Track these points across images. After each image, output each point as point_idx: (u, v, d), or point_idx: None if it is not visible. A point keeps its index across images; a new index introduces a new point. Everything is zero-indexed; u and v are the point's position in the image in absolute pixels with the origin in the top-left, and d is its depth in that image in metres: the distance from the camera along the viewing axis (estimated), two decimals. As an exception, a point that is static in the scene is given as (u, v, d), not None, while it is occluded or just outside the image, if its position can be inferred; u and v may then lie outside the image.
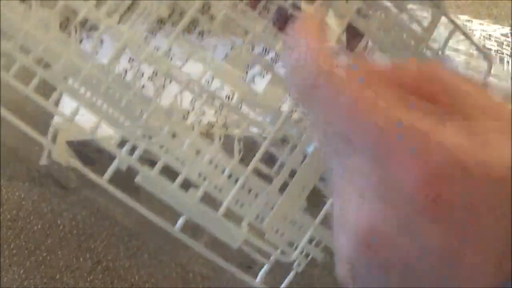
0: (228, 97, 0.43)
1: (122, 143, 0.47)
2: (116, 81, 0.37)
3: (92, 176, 0.39)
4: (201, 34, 0.42)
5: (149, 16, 0.39)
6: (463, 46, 1.19)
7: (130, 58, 0.39)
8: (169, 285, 0.89)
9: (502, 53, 1.20)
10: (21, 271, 0.89)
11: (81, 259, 0.91)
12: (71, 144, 0.96)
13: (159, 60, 0.38)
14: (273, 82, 0.41)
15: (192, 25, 0.41)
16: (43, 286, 0.88)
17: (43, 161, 0.91)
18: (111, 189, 0.39)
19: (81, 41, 0.39)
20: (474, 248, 0.28)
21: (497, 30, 1.22)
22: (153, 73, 0.41)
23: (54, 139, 0.94)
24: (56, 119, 0.97)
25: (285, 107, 0.42)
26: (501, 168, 0.27)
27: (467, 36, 0.54)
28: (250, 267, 0.89)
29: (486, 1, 1.34)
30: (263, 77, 0.45)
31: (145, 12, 0.39)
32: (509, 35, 1.23)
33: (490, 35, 1.20)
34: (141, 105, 0.40)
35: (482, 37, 1.21)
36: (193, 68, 0.41)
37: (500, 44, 1.21)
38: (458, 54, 1.11)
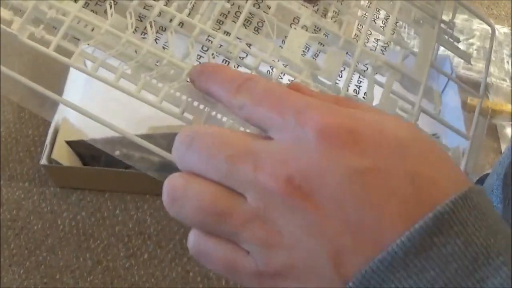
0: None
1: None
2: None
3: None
4: (257, 29, 0.43)
5: (213, 11, 0.41)
6: (462, 46, 1.19)
7: (198, 55, 0.40)
8: (169, 285, 0.89)
9: (502, 53, 1.20)
10: (21, 271, 0.89)
11: (81, 259, 0.91)
12: (70, 144, 0.96)
13: (232, 47, 0.40)
14: (330, 57, 0.43)
15: (248, 20, 0.42)
16: (43, 286, 0.88)
17: (43, 161, 0.91)
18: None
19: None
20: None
21: (497, 30, 1.22)
22: (223, 61, 0.41)
23: (54, 139, 0.94)
24: (56, 119, 0.97)
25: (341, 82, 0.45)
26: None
27: (469, 9, 0.55)
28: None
29: (486, 1, 1.34)
30: (317, 56, 0.46)
31: (208, 8, 0.41)
32: (509, 35, 1.23)
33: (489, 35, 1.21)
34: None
35: (482, 37, 1.22)
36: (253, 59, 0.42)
37: (500, 44, 1.22)
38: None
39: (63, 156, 0.94)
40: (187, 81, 0.39)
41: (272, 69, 0.43)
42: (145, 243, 0.93)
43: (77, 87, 1.02)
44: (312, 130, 0.32)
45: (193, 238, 0.35)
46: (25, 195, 0.97)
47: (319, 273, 0.32)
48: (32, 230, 0.93)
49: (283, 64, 0.43)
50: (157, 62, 0.39)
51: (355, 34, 0.48)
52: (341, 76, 0.45)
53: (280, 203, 0.32)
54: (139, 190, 0.97)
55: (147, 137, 0.94)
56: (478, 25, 1.22)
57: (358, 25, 0.49)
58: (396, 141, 0.32)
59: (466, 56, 0.54)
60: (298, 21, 0.44)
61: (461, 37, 1.20)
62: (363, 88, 0.49)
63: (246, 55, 0.42)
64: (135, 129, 0.96)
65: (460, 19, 1.23)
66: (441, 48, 0.53)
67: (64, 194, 0.98)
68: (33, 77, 0.38)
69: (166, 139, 0.91)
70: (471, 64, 1.07)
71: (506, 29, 1.25)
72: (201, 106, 0.40)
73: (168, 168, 0.36)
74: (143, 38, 0.40)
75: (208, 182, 0.34)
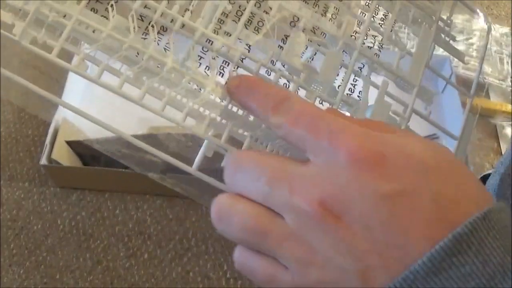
0: (285, 85, 0.44)
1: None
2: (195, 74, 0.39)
3: (180, 164, 0.39)
4: (257, 29, 0.43)
5: (215, 13, 0.41)
6: (462, 46, 1.19)
7: (199, 56, 0.40)
8: (169, 285, 0.89)
9: (502, 53, 1.20)
10: (21, 271, 0.89)
11: (81, 259, 0.91)
12: (70, 144, 0.96)
13: (232, 50, 0.40)
14: (328, 59, 0.43)
15: (249, 20, 0.43)
16: (43, 286, 0.88)
17: (43, 161, 0.91)
18: (206, 177, 0.40)
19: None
20: None
21: (497, 30, 1.22)
22: (223, 62, 0.42)
23: (54, 139, 0.94)
24: (56, 119, 0.97)
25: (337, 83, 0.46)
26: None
27: (468, 6, 0.55)
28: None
29: (486, 1, 1.34)
30: (312, 59, 0.47)
31: (209, 10, 0.41)
32: (509, 35, 1.23)
33: (490, 35, 1.20)
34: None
35: (482, 37, 1.22)
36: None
37: (500, 44, 1.22)
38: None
39: (63, 156, 0.94)
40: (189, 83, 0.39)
41: (270, 73, 0.43)
42: (145, 243, 0.93)
43: (79, 85, 1.02)
44: (344, 155, 0.34)
45: (238, 254, 0.39)
46: (25, 195, 0.97)
47: (347, 286, 0.35)
48: (32, 230, 0.93)
49: (283, 64, 0.43)
50: (158, 65, 0.39)
51: (354, 31, 0.48)
52: (338, 74, 0.45)
53: (313, 224, 0.35)
54: (139, 190, 0.97)
55: (147, 137, 0.95)
56: (478, 25, 1.22)
57: (357, 23, 0.49)
58: (422, 165, 0.35)
59: (461, 56, 0.54)
60: (298, 19, 0.44)
61: (461, 37, 1.20)
62: (358, 87, 0.49)
63: (245, 57, 0.43)
64: (136, 129, 0.96)
65: (461, 19, 1.23)
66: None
67: (64, 194, 0.98)
68: (34, 75, 0.38)
69: (167, 140, 0.92)
70: (465, 63, 1.07)
71: (506, 29, 1.24)
72: (202, 110, 0.40)
73: (171, 169, 0.37)
74: (145, 38, 0.40)
75: (252, 203, 0.37)
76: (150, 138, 0.94)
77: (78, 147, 0.96)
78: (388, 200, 0.33)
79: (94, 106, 0.38)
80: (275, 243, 0.36)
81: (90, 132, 0.97)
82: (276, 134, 0.38)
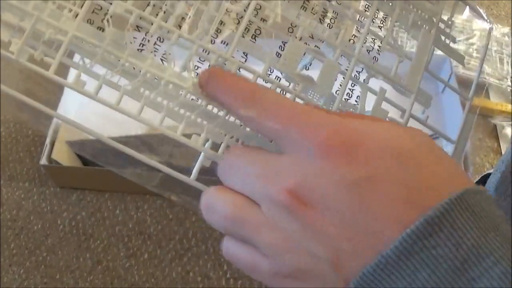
0: (282, 92, 0.45)
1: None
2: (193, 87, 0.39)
3: (179, 175, 0.40)
4: (254, 37, 0.43)
5: (211, 23, 0.41)
6: (462, 46, 1.19)
7: (196, 66, 0.41)
8: (169, 285, 0.89)
9: (502, 53, 1.20)
10: (21, 271, 0.89)
11: (81, 259, 0.91)
12: (71, 144, 0.96)
13: (230, 60, 0.41)
14: (325, 70, 0.44)
15: (246, 28, 0.43)
16: (43, 286, 0.88)
17: (43, 161, 0.91)
18: (199, 185, 0.40)
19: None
20: None
21: (497, 30, 1.22)
22: None
23: (54, 139, 0.94)
24: (56, 120, 0.97)
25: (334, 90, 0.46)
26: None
27: (470, 6, 0.55)
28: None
29: (486, 1, 1.34)
30: (307, 69, 0.47)
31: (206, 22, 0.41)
32: (509, 35, 1.23)
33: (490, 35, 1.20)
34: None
35: (482, 37, 1.22)
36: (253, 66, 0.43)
37: (500, 44, 1.22)
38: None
39: (63, 156, 0.94)
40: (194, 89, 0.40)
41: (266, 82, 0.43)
42: (145, 243, 0.93)
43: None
44: (313, 144, 0.35)
45: (225, 242, 0.40)
46: (25, 195, 0.97)
47: (323, 276, 0.35)
48: (32, 230, 0.94)
49: (280, 73, 0.43)
50: (156, 78, 0.39)
51: (353, 35, 0.48)
52: (336, 79, 0.45)
53: (284, 212, 0.35)
54: (139, 190, 0.97)
55: (147, 137, 0.95)
56: (478, 25, 1.22)
57: (356, 28, 0.49)
58: (392, 150, 0.35)
59: (460, 58, 0.54)
60: (296, 26, 0.44)
61: (461, 37, 1.20)
62: (356, 92, 0.49)
63: (244, 61, 0.43)
64: (135, 130, 0.96)
65: (461, 19, 1.23)
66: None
67: (64, 194, 0.98)
68: (32, 80, 0.38)
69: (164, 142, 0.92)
70: (464, 66, 1.07)
71: (506, 29, 1.24)
72: (199, 120, 0.40)
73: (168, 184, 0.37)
74: (142, 50, 0.40)
75: (233, 193, 0.38)
76: (149, 138, 0.94)
77: (78, 147, 0.96)
78: (357, 186, 0.33)
79: (95, 105, 0.38)
80: (252, 231, 0.37)
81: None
82: (249, 127, 0.39)
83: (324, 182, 0.34)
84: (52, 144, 0.94)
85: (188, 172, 0.41)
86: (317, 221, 0.34)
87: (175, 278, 0.90)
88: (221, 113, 0.40)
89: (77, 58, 0.40)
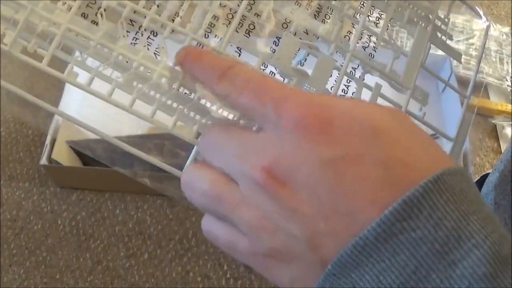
0: None
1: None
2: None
3: (172, 170, 0.40)
4: (248, 32, 0.43)
5: (204, 17, 0.41)
6: (462, 46, 1.19)
7: None
8: (169, 285, 0.89)
9: (502, 53, 1.20)
10: (21, 271, 0.90)
11: (81, 259, 0.91)
12: (70, 143, 0.96)
13: (223, 54, 0.41)
14: (320, 64, 0.44)
15: (240, 23, 0.43)
16: (43, 286, 0.88)
17: (43, 161, 0.91)
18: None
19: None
20: None
21: (497, 30, 1.22)
22: None
23: (54, 139, 0.94)
24: (56, 119, 0.97)
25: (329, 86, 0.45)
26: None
27: (467, 4, 0.55)
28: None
29: (486, 1, 1.34)
30: (302, 65, 0.47)
31: (199, 16, 0.41)
32: (509, 35, 1.23)
33: (490, 35, 1.20)
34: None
35: (482, 37, 1.21)
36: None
37: (500, 44, 1.21)
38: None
39: (63, 156, 0.95)
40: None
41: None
42: (145, 243, 0.93)
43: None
44: (287, 121, 0.34)
45: (204, 221, 0.39)
46: (25, 195, 0.98)
47: (301, 256, 0.35)
48: (32, 230, 0.94)
49: (275, 68, 0.43)
50: (149, 71, 0.39)
51: (348, 31, 0.48)
52: (331, 75, 0.45)
53: (260, 190, 0.35)
54: (139, 190, 0.97)
55: (147, 137, 0.95)
56: (478, 25, 1.22)
57: (352, 24, 0.49)
58: (369, 128, 0.34)
59: (457, 55, 0.54)
60: (290, 21, 0.44)
61: (461, 37, 1.20)
62: (352, 88, 0.49)
63: (238, 56, 0.43)
64: (136, 128, 0.96)
65: (461, 19, 1.23)
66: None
67: (64, 194, 0.98)
68: (33, 77, 0.39)
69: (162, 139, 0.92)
70: (461, 63, 1.07)
71: (506, 29, 1.24)
72: (192, 114, 0.40)
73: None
74: (135, 44, 0.40)
75: (212, 170, 0.38)
76: (150, 138, 0.94)
77: (79, 147, 0.96)
78: (332, 165, 0.33)
79: (96, 104, 0.38)
80: (229, 209, 0.36)
81: (90, 132, 0.96)
82: (225, 103, 0.39)
83: (299, 161, 0.34)
84: (52, 144, 0.94)
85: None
86: (293, 200, 0.34)
87: (175, 278, 0.90)
88: (214, 107, 0.40)
89: (77, 54, 0.40)
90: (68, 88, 1.02)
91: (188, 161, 0.41)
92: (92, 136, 0.95)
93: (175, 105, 0.40)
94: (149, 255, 0.92)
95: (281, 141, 0.35)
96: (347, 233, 0.32)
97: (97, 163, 0.96)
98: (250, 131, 0.37)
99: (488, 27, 0.59)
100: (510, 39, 1.22)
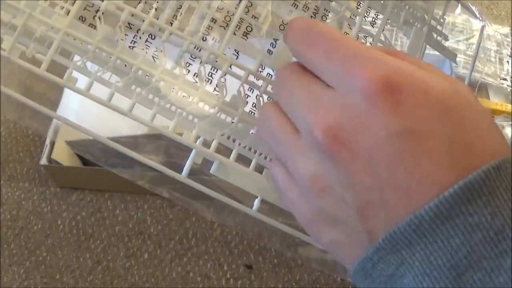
0: None
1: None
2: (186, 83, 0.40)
3: (169, 172, 0.40)
4: (245, 34, 0.43)
5: (203, 20, 0.41)
6: (462, 46, 1.19)
7: (187, 63, 0.41)
8: (169, 285, 0.89)
9: (502, 53, 1.20)
10: (21, 271, 0.89)
11: (81, 259, 0.91)
12: (70, 143, 0.96)
13: (221, 56, 0.41)
14: None
15: (237, 26, 0.43)
16: (43, 286, 0.88)
17: (43, 161, 0.91)
18: (194, 184, 0.40)
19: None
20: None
21: (497, 30, 1.22)
22: (212, 68, 0.43)
23: (54, 139, 0.94)
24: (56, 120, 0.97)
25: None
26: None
27: (463, 4, 0.55)
28: (250, 266, 0.90)
29: (486, 1, 1.34)
30: None
31: (198, 19, 0.41)
32: (509, 35, 1.23)
33: (490, 35, 1.20)
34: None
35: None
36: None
37: (500, 44, 1.21)
38: (458, 54, 1.10)
39: (63, 156, 0.94)
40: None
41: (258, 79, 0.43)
42: (145, 243, 0.93)
43: (79, 84, 1.02)
44: (358, 83, 0.33)
45: (270, 160, 0.42)
46: (25, 195, 0.98)
47: (346, 222, 0.35)
48: (32, 230, 0.94)
49: (272, 70, 0.43)
50: (147, 74, 0.39)
51: (345, 32, 0.48)
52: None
53: (319, 148, 0.34)
54: (139, 190, 0.97)
55: (147, 137, 0.95)
56: (478, 25, 1.21)
57: (348, 25, 0.49)
58: (440, 104, 0.33)
59: (451, 56, 0.54)
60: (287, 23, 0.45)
61: (461, 37, 1.20)
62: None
63: (236, 59, 0.43)
64: (136, 129, 0.96)
65: (460, 19, 1.23)
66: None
67: (64, 194, 0.98)
68: (33, 79, 0.39)
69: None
70: (456, 64, 1.06)
71: (506, 29, 1.24)
72: (191, 118, 0.40)
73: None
74: (133, 47, 0.40)
75: (281, 113, 0.38)
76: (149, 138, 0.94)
77: (78, 148, 0.96)
78: (398, 137, 0.32)
79: (95, 105, 0.38)
80: (287, 156, 0.37)
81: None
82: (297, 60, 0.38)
83: (365, 127, 0.33)
84: (52, 144, 0.94)
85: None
86: (351, 166, 0.33)
87: (175, 278, 0.90)
88: (212, 111, 0.40)
89: (76, 59, 0.40)
90: (68, 91, 1.02)
91: (187, 164, 0.41)
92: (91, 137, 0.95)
93: (173, 108, 0.40)
94: (149, 255, 0.92)
95: (348, 102, 0.34)
96: (400, 209, 0.32)
97: (97, 164, 0.96)
98: (319, 83, 0.36)
99: (483, 26, 0.59)
100: (509, 39, 1.21)
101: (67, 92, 1.01)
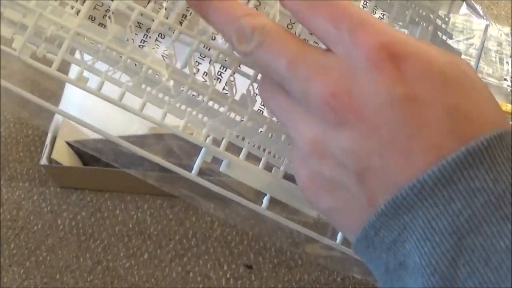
0: None
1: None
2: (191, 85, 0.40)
3: (180, 171, 0.40)
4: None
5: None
6: (462, 46, 1.19)
7: (197, 62, 0.41)
8: (169, 285, 0.89)
9: (502, 53, 1.20)
10: (21, 271, 0.89)
11: (81, 259, 0.91)
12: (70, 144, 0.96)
13: (231, 56, 0.41)
14: None
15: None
16: (43, 286, 0.88)
17: (43, 161, 0.91)
18: (205, 183, 0.40)
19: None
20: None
21: (497, 30, 1.22)
22: (221, 67, 0.43)
23: (54, 139, 0.94)
24: (56, 119, 0.97)
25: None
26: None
27: (468, 3, 0.56)
28: (250, 266, 0.90)
29: (486, 1, 1.34)
30: None
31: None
32: (509, 35, 1.23)
33: (490, 35, 1.20)
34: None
35: (481, 37, 1.21)
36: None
37: (500, 44, 1.22)
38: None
39: (63, 156, 0.94)
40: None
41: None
42: (145, 243, 0.93)
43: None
44: (364, 49, 0.33)
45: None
46: (25, 195, 0.97)
47: (345, 187, 0.35)
48: (32, 230, 0.94)
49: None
50: (157, 74, 0.39)
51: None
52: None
53: (321, 112, 0.35)
54: (139, 190, 0.97)
55: (155, 136, 0.95)
56: (478, 25, 1.22)
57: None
58: (441, 74, 0.33)
59: (457, 55, 0.54)
60: (295, 22, 0.45)
61: (461, 37, 1.20)
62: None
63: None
64: (138, 128, 0.96)
65: (461, 19, 1.23)
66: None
67: (64, 194, 0.98)
68: (35, 74, 0.39)
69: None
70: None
71: (506, 29, 1.24)
72: (201, 117, 0.40)
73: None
74: (143, 46, 0.40)
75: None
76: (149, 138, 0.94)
77: (79, 146, 0.96)
78: (400, 104, 0.33)
79: (98, 103, 0.38)
80: (288, 119, 0.37)
81: (90, 132, 0.96)
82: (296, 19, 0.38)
83: (368, 92, 0.33)
84: (52, 144, 0.93)
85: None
86: (353, 129, 0.34)
87: (175, 278, 0.90)
88: (222, 109, 0.40)
89: (77, 54, 0.40)
90: (70, 87, 1.01)
91: (197, 162, 0.41)
92: (94, 135, 0.95)
93: (183, 107, 0.40)
94: (149, 255, 0.92)
95: (352, 68, 0.34)
96: (400, 174, 0.32)
97: (97, 163, 0.96)
98: (319, 49, 0.36)
99: (487, 26, 0.60)
100: (510, 39, 1.22)
101: (70, 88, 1.01)
